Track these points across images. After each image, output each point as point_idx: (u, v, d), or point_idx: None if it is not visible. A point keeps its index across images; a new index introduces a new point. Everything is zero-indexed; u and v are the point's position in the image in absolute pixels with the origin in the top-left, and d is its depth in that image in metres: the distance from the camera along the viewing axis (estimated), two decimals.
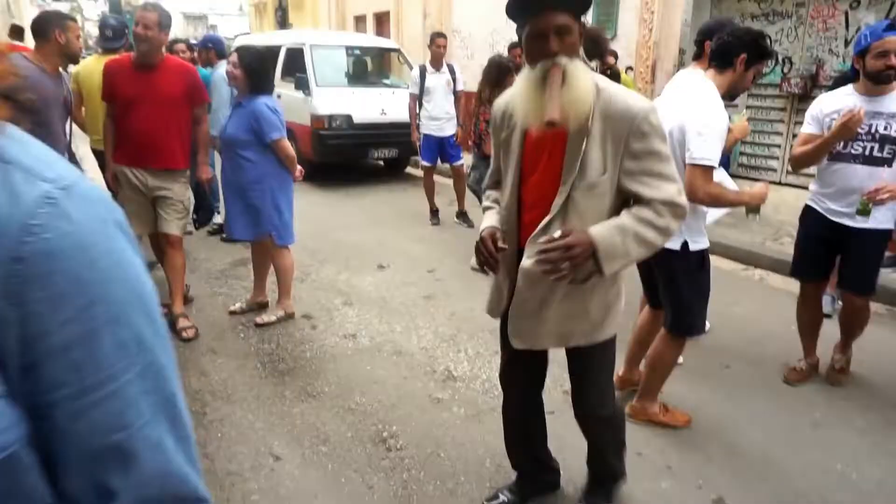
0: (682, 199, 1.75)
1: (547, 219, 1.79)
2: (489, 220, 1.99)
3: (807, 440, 2.83)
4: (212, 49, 5.49)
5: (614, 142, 1.71)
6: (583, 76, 1.68)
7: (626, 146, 1.71)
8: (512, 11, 1.73)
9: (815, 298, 3.33)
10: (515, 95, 1.80)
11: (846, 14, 6.26)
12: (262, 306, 4.13)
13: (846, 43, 6.32)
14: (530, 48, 1.70)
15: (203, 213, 5.83)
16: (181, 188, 3.84)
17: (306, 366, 3.45)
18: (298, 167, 3.88)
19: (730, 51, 2.47)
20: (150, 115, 3.60)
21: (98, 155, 4.49)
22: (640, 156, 1.71)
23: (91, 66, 4.43)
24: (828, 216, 3.08)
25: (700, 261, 2.60)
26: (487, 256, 1.84)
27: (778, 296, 4.50)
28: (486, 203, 2.09)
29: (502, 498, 2.35)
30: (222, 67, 5.31)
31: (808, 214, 3.21)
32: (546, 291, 1.84)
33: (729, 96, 2.52)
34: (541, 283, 1.81)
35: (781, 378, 3.35)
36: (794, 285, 3.59)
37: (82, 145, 5.00)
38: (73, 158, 3.49)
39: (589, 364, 2.05)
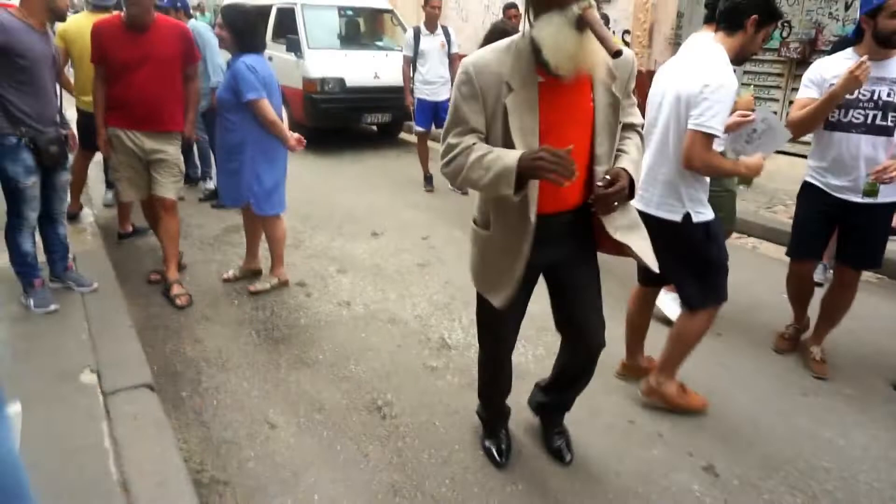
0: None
1: (602, 171, 1.85)
2: (508, 153, 1.72)
3: (796, 407, 2.87)
4: (180, 10, 5.37)
5: (621, 86, 1.88)
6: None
7: (626, 88, 1.92)
8: None
9: (809, 276, 3.26)
10: (546, 40, 1.65)
11: None
12: (256, 273, 4.12)
13: (846, 7, 6.21)
14: None
15: (197, 171, 5.78)
16: (177, 150, 3.79)
17: (301, 333, 3.46)
18: (296, 136, 3.70)
19: (740, 12, 2.38)
20: (150, 77, 3.54)
21: (86, 116, 4.41)
22: (629, 94, 1.97)
23: (82, 25, 4.30)
24: (830, 192, 2.95)
25: (706, 231, 2.50)
26: (566, 161, 1.60)
27: (771, 264, 4.51)
28: (485, 156, 1.74)
29: (504, 442, 2.51)
30: (190, 25, 5.22)
31: (808, 191, 3.07)
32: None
33: (738, 60, 2.44)
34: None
35: (772, 346, 3.38)
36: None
37: (69, 108, 4.90)
38: (63, 121, 3.41)
39: (597, 289, 2.18)
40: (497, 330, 2.23)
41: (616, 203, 1.81)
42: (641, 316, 2.96)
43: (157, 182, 3.72)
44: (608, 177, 1.78)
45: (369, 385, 2.98)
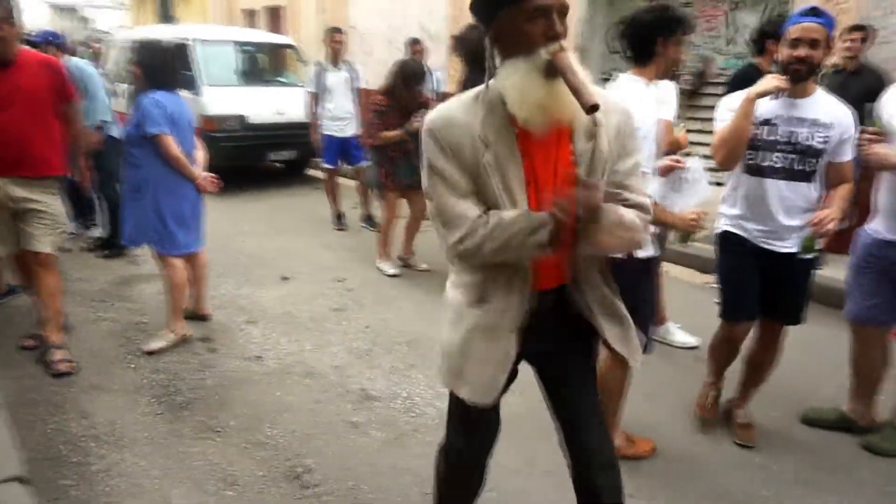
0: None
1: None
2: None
3: (726, 435, 2.87)
4: (51, 44, 4.94)
5: (616, 137, 1.56)
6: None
7: (619, 141, 1.56)
8: None
9: (742, 340, 2.79)
10: (510, 92, 1.45)
11: (726, 14, 6.60)
12: (197, 315, 3.92)
13: (727, 42, 6.66)
14: (526, 33, 1.40)
15: (85, 219, 5.27)
16: (52, 198, 3.38)
17: (207, 397, 3.13)
18: (206, 175, 3.67)
19: (646, 42, 2.33)
20: (16, 117, 3.15)
21: None
22: (628, 154, 1.59)
23: None
24: (752, 240, 2.62)
25: (645, 267, 2.37)
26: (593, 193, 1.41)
27: (684, 288, 4.62)
28: (501, 219, 1.49)
29: None
30: (69, 63, 4.83)
31: (728, 242, 2.71)
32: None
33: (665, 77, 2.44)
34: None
35: (695, 415, 3.02)
36: None
37: None
38: None
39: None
40: (474, 427, 1.79)
41: (593, 203, 1.43)
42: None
43: (29, 235, 3.29)
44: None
45: (287, 450, 2.71)
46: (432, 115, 1.53)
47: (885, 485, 2.56)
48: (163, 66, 3.56)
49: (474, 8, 1.49)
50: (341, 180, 6.42)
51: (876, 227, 2.69)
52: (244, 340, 3.75)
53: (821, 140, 2.46)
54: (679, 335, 3.71)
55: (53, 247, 3.39)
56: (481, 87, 1.53)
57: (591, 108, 1.34)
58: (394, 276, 4.83)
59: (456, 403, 1.74)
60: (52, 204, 3.35)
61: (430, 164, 1.52)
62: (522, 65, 1.41)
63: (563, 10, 1.41)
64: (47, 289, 3.40)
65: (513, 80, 1.43)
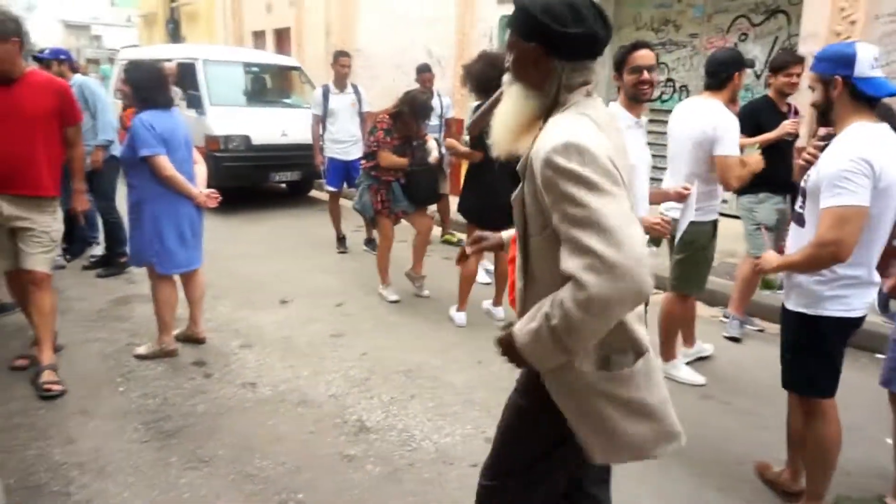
0: (588, 278, 1.22)
1: (516, 281, 1.53)
2: None
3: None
4: (63, 62, 4.94)
5: (541, 190, 1.35)
6: (510, 101, 1.48)
7: (545, 196, 1.33)
8: None
9: None
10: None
11: (735, 46, 6.58)
12: (192, 339, 3.88)
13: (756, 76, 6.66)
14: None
15: (77, 243, 5.19)
16: (47, 218, 3.31)
17: (197, 424, 3.02)
18: (206, 191, 3.65)
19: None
20: (9, 135, 3.11)
21: None
22: (554, 208, 1.30)
23: None
24: None
25: None
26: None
27: None
28: None
29: None
30: (76, 81, 4.91)
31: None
32: None
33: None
34: None
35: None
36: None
37: None
38: None
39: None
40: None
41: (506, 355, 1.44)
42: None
43: (23, 253, 3.24)
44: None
45: (277, 483, 2.60)
46: (594, 143, 1.30)
47: None
48: (152, 86, 3.53)
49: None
50: (344, 202, 6.36)
51: None
52: (238, 366, 3.65)
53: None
54: (685, 371, 3.60)
55: (47, 265, 3.32)
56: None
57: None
58: (395, 301, 4.74)
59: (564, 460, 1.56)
60: (45, 223, 3.29)
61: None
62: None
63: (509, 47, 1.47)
64: (41, 308, 3.33)
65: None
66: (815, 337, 2.24)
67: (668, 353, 3.56)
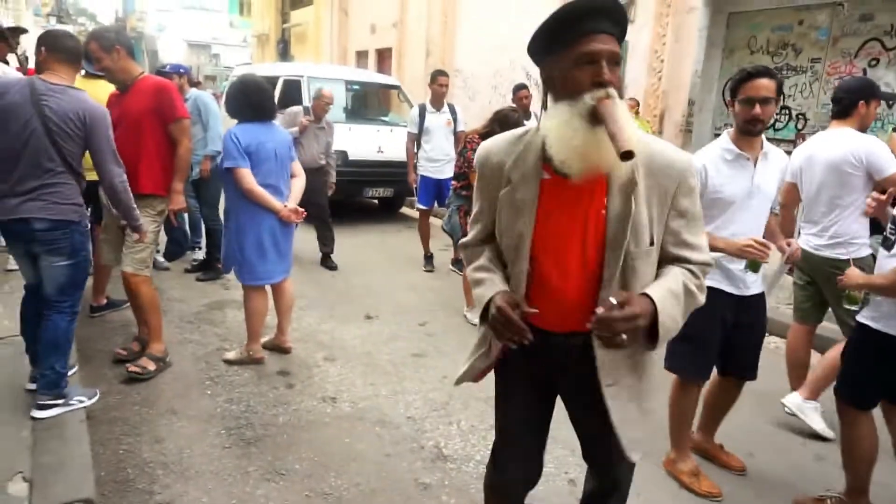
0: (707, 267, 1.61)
1: (611, 297, 1.43)
2: (491, 286, 1.60)
3: None
4: (183, 75, 5.25)
5: (660, 200, 1.51)
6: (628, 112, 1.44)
7: (674, 204, 1.52)
8: (550, 36, 1.44)
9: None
10: (550, 133, 1.45)
11: (864, 72, 6.06)
12: (279, 348, 3.95)
13: None
14: (573, 78, 1.40)
15: (173, 245, 5.45)
16: (145, 219, 3.46)
17: (277, 435, 3.03)
18: (290, 207, 3.63)
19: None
20: (120, 136, 3.30)
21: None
22: (686, 215, 1.55)
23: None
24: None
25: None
26: (515, 329, 1.48)
27: None
28: (476, 274, 1.66)
29: None
30: (192, 94, 5.21)
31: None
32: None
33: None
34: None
35: None
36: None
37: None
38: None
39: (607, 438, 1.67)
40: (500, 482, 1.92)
41: (624, 337, 1.40)
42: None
43: (123, 251, 3.44)
44: (615, 300, 1.41)
45: None
46: (484, 146, 1.65)
47: None
48: (247, 99, 3.58)
49: (529, 52, 1.52)
50: (434, 220, 6.35)
51: None
52: (320, 378, 3.66)
53: None
54: (816, 420, 3.25)
55: (138, 265, 3.47)
56: (531, 126, 1.59)
57: (625, 155, 1.30)
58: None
59: None
60: (146, 222, 3.43)
61: (475, 184, 1.72)
62: (566, 108, 1.41)
63: (613, 58, 1.40)
64: (138, 307, 3.54)
65: (554, 122, 1.44)
66: None
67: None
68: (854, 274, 2.39)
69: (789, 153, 6.85)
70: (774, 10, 6.74)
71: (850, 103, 3.13)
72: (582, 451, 1.88)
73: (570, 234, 1.51)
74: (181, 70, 5.39)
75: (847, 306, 2.57)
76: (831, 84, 6.30)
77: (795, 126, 6.57)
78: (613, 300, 1.40)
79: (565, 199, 1.50)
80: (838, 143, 3.11)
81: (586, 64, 1.38)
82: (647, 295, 1.45)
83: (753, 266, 2.53)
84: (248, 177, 3.50)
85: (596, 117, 1.36)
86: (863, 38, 6.04)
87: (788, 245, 2.90)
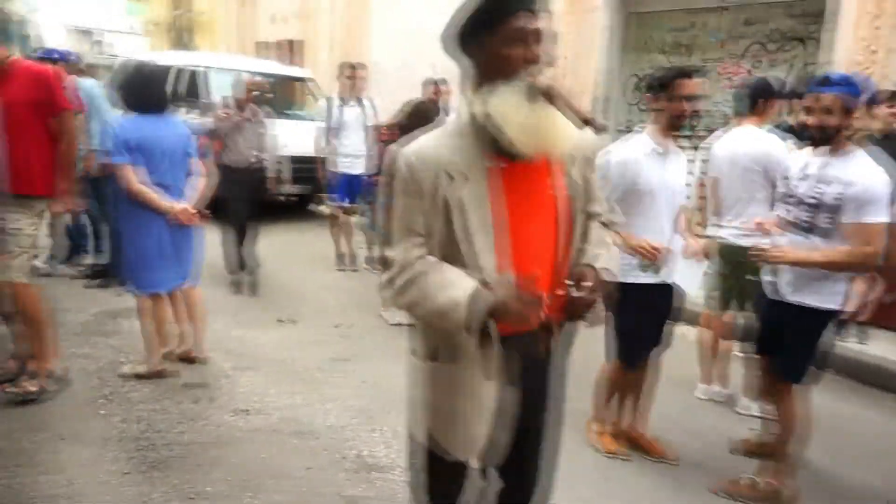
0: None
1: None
2: (463, 280, 1.43)
3: None
4: (58, 62, 4.75)
5: (580, 165, 1.58)
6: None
7: (592, 167, 1.65)
8: (478, 16, 1.41)
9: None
10: (495, 113, 1.39)
11: (749, 73, 6.46)
12: (185, 358, 3.64)
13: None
14: (507, 56, 1.39)
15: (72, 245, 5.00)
16: (28, 220, 3.09)
17: (184, 455, 2.78)
18: (178, 208, 3.28)
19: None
20: None
21: None
22: (595, 174, 1.69)
23: None
24: None
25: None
26: (538, 301, 1.37)
27: None
28: (419, 268, 1.47)
29: None
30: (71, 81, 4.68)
31: None
32: None
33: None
34: None
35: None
36: None
37: None
38: None
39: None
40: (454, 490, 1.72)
41: (588, 307, 1.52)
42: None
43: None
44: (570, 281, 1.50)
45: None
46: (411, 149, 1.47)
47: None
48: (135, 89, 3.32)
49: (452, 37, 1.46)
50: (347, 218, 6.16)
51: None
52: (230, 390, 3.42)
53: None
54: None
55: (19, 272, 3.09)
56: (458, 118, 1.51)
57: (587, 122, 1.34)
58: (397, 325, 4.52)
59: (437, 467, 1.65)
60: (23, 225, 3.07)
61: (396, 201, 1.49)
62: (511, 89, 1.39)
63: (539, 36, 1.41)
64: (29, 318, 3.17)
65: (496, 100, 1.40)
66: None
67: None
68: (788, 249, 2.42)
69: (685, 149, 7.16)
70: (671, 13, 7.05)
71: (752, 103, 3.35)
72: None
73: (526, 218, 1.49)
74: (56, 56, 4.88)
75: (750, 277, 2.70)
76: (721, 84, 6.68)
77: (690, 124, 6.91)
78: (569, 282, 1.49)
79: (513, 183, 1.48)
80: (746, 140, 3.30)
81: (518, 42, 1.38)
82: (590, 266, 1.55)
83: (644, 266, 2.59)
84: (130, 175, 3.19)
85: (533, 95, 1.38)
86: (748, 41, 6.44)
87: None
